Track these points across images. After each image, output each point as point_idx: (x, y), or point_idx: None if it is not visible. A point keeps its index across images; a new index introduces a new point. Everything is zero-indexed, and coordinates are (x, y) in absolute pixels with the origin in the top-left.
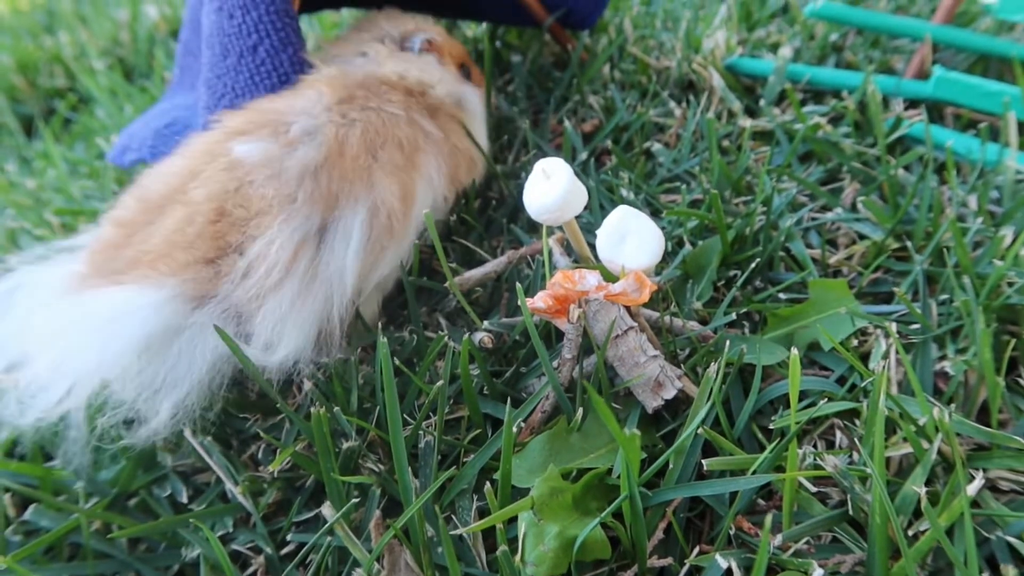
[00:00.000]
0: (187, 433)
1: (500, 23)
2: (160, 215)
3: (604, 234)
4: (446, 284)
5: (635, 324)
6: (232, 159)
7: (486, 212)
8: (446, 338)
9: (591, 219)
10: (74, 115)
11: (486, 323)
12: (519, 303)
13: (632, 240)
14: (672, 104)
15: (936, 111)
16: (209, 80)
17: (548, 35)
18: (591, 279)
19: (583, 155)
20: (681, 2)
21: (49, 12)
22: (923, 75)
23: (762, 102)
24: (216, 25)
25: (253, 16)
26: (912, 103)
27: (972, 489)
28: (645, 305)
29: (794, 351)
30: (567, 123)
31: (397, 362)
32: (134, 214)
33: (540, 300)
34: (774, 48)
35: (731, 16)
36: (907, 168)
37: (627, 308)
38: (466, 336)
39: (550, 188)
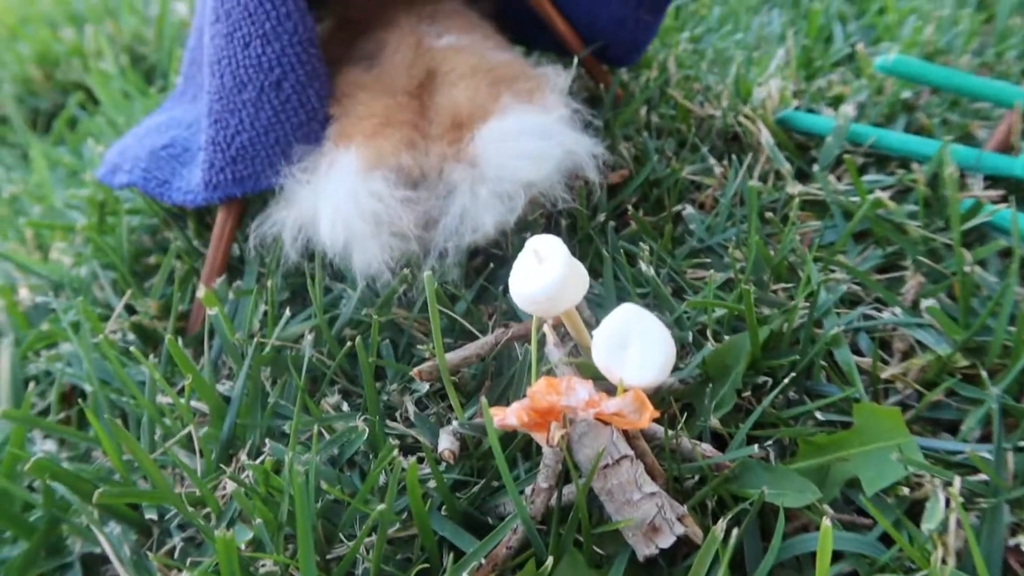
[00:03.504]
0: (90, 524)
1: (533, 48)
2: None
3: (602, 338)
4: (415, 371)
5: (630, 453)
6: None
7: (483, 273)
8: (395, 452)
9: (602, 291)
10: (83, 113)
11: (454, 423)
12: (488, 414)
13: (635, 349)
14: (712, 160)
15: None
16: (216, 112)
17: (583, 69)
18: (581, 392)
19: (601, 216)
20: (734, 40)
21: (87, 2)
22: (1008, 147)
23: (816, 166)
24: (225, 52)
25: (275, 48)
26: (994, 180)
27: None
28: None
29: (826, 522)
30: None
31: (325, 460)
32: None
33: (513, 415)
34: (835, 101)
35: (789, 61)
36: (982, 263)
37: (623, 431)
38: (412, 460)
39: (541, 275)
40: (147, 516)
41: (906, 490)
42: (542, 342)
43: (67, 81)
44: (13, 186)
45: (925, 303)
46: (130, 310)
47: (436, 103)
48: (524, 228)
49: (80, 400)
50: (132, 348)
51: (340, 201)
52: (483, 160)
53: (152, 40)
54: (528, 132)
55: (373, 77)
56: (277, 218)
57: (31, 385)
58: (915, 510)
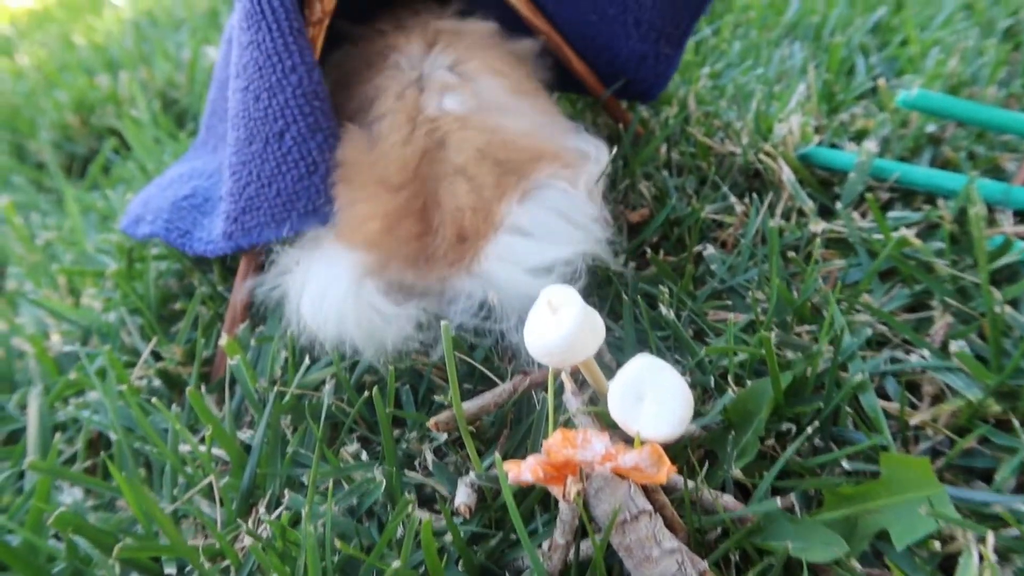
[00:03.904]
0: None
1: (554, 91)
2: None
3: (617, 391)
4: (432, 421)
5: (649, 508)
6: None
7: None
8: (411, 505)
9: (623, 335)
10: (116, 157)
11: (472, 474)
12: (502, 472)
13: (650, 401)
14: (733, 198)
15: None
16: (233, 165)
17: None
18: (597, 445)
19: (621, 258)
20: (755, 75)
21: (123, 48)
22: None
23: (839, 203)
24: (242, 106)
25: (279, 100)
26: (1023, 216)
27: None
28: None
29: None
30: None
31: (343, 510)
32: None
33: (528, 470)
34: (858, 136)
35: (810, 96)
36: (1014, 303)
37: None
38: (427, 518)
39: (556, 326)
40: (167, 571)
41: (938, 544)
42: (560, 391)
43: (102, 127)
44: (48, 232)
45: (954, 345)
46: (156, 356)
47: (440, 203)
48: None
49: (104, 449)
50: (154, 399)
51: (336, 309)
52: (487, 278)
53: (184, 84)
54: (534, 245)
55: (372, 160)
56: (280, 284)
57: (59, 432)
58: (949, 563)
